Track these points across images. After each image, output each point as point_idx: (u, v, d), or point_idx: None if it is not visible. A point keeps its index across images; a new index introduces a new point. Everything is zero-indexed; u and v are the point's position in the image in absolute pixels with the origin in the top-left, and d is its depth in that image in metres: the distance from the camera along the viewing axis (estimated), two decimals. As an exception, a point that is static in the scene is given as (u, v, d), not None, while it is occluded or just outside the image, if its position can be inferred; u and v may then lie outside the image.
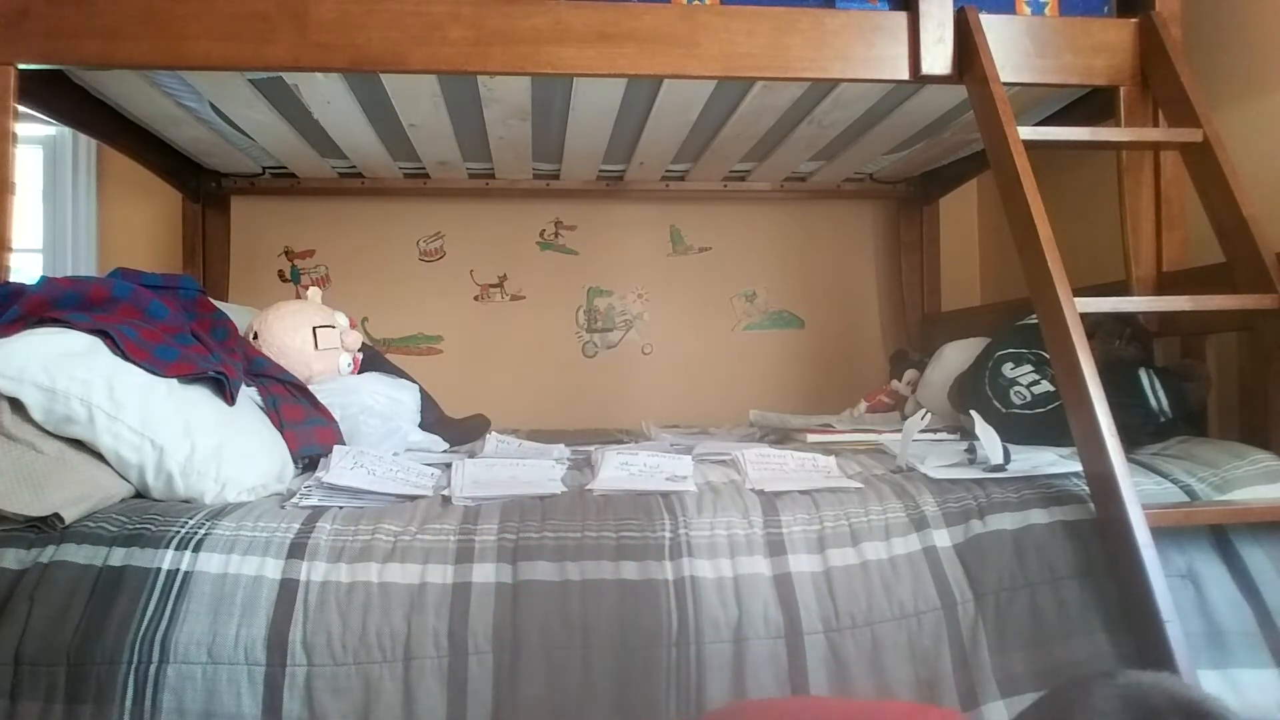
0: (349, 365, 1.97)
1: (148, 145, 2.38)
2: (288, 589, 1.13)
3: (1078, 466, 1.36)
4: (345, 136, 2.34)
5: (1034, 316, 1.54)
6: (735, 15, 1.70)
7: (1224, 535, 1.28)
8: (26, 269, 2.70)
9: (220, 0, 1.63)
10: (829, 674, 1.15)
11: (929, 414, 1.73)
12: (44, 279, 1.46)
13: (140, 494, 1.31)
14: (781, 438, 2.06)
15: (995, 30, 1.72)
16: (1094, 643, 1.19)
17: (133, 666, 1.06)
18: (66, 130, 2.63)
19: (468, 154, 2.56)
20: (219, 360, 1.47)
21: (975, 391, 1.84)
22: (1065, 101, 2.08)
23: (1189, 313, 1.58)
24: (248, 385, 1.54)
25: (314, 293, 2.11)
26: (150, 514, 1.22)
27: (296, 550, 1.17)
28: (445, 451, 1.90)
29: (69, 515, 1.17)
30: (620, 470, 1.45)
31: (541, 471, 1.49)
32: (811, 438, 1.95)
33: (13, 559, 1.13)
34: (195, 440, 1.30)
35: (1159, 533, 1.19)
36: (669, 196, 2.99)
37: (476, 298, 3.00)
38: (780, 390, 3.00)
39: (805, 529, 1.26)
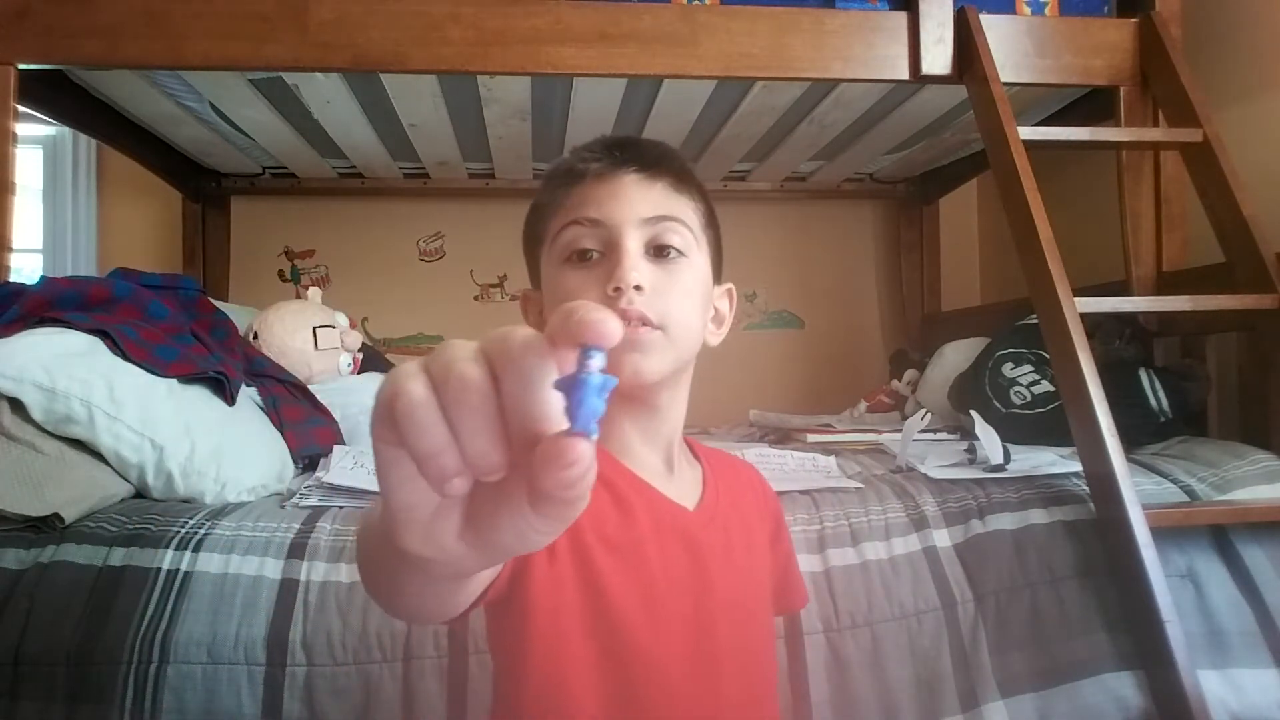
0: (349, 365, 1.97)
1: (148, 145, 2.38)
2: (288, 589, 1.13)
3: (1078, 466, 1.36)
4: (345, 136, 2.34)
5: (1034, 316, 1.54)
6: (735, 15, 1.70)
7: (1224, 535, 1.28)
8: (26, 269, 2.70)
9: (220, 0, 1.63)
10: (829, 674, 1.15)
11: (929, 414, 1.73)
12: (44, 279, 1.46)
13: (140, 494, 1.31)
14: (781, 438, 2.06)
15: (995, 30, 1.72)
16: (1094, 643, 1.19)
17: (133, 666, 1.06)
18: (66, 130, 2.62)
19: (468, 154, 2.56)
20: (219, 360, 1.47)
21: (975, 391, 1.84)
22: (1065, 101, 2.08)
23: (1189, 313, 1.58)
24: (248, 385, 1.54)
25: (314, 293, 2.11)
26: (150, 514, 1.22)
27: (296, 550, 1.17)
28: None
29: (69, 515, 1.17)
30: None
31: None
32: (811, 438, 1.95)
33: (13, 559, 1.13)
34: (195, 440, 1.30)
35: (1159, 533, 1.19)
36: (669, 196, 2.98)
37: (476, 298, 3.00)
38: (780, 390, 3.00)
39: (805, 529, 1.26)
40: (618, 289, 0.70)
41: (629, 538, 0.72)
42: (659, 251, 0.73)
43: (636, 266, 0.71)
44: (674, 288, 0.72)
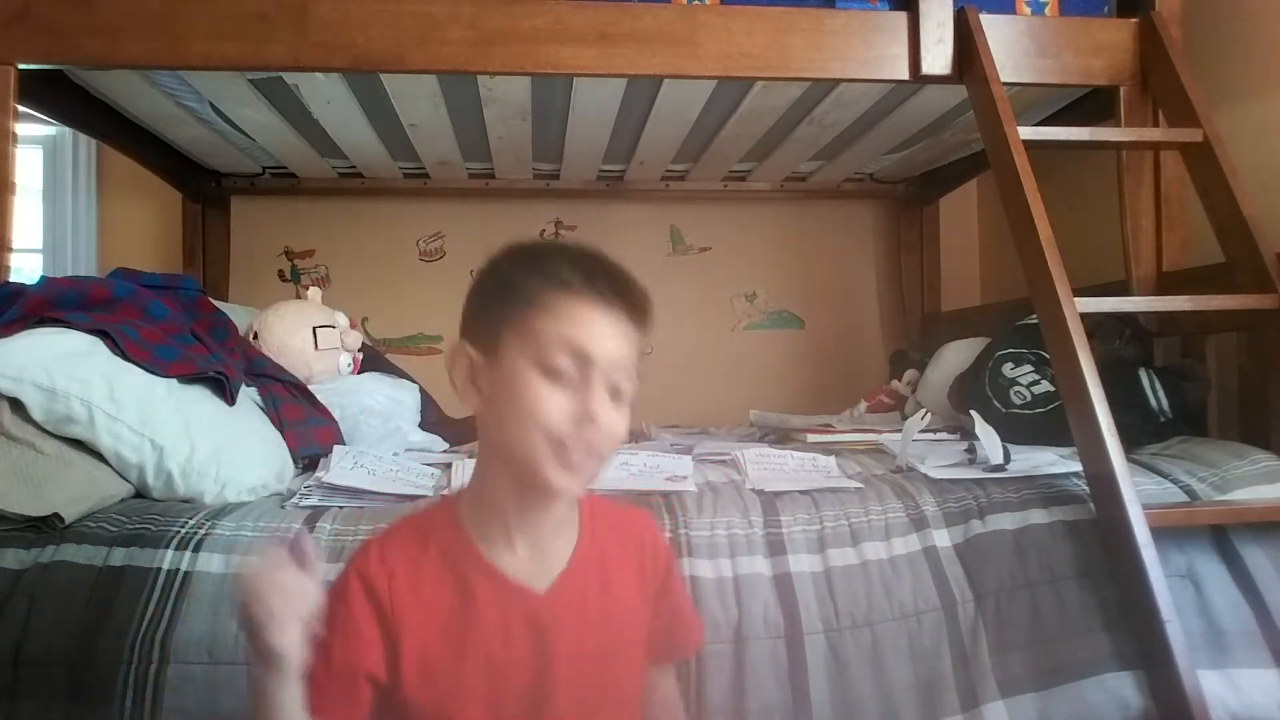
0: (349, 365, 1.97)
1: (148, 145, 2.38)
2: (288, 589, 1.13)
3: (1078, 466, 1.36)
4: (345, 136, 2.34)
5: (1034, 316, 1.54)
6: (735, 15, 1.70)
7: (1224, 535, 1.28)
8: (26, 269, 2.70)
9: (220, 0, 1.63)
10: (829, 674, 1.15)
11: (929, 414, 1.73)
12: (44, 279, 1.46)
13: (140, 494, 1.31)
14: (781, 438, 2.06)
15: (995, 30, 1.72)
16: (1094, 643, 1.19)
17: (133, 666, 1.06)
18: (66, 130, 2.62)
19: (468, 154, 2.56)
20: (219, 360, 1.47)
21: (975, 391, 1.84)
22: (1065, 101, 2.08)
23: (1189, 313, 1.58)
24: (248, 385, 1.54)
25: (314, 293, 2.11)
26: (150, 514, 1.22)
27: (296, 550, 1.17)
28: (445, 451, 1.90)
29: (69, 515, 1.17)
30: (620, 470, 1.45)
31: (541, 471, 1.49)
32: (811, 438, 1.95)
33: (13, 559, 1.13)
34: (195, 440, 1.30)
35: (1159, 533, 1.19)
36: (669, 196, 2.99)
37: (477, 298, 2.99)
38: (780, 390, 2.99)
39: (805, 529, 1.26)
40: (592, 422, 0.78)
41: (466, 622, 0.82)
42: (614, 393, 0.81)
43: (603, 405, 0.79)
44: (617, 423, 0.81)
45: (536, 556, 0.84)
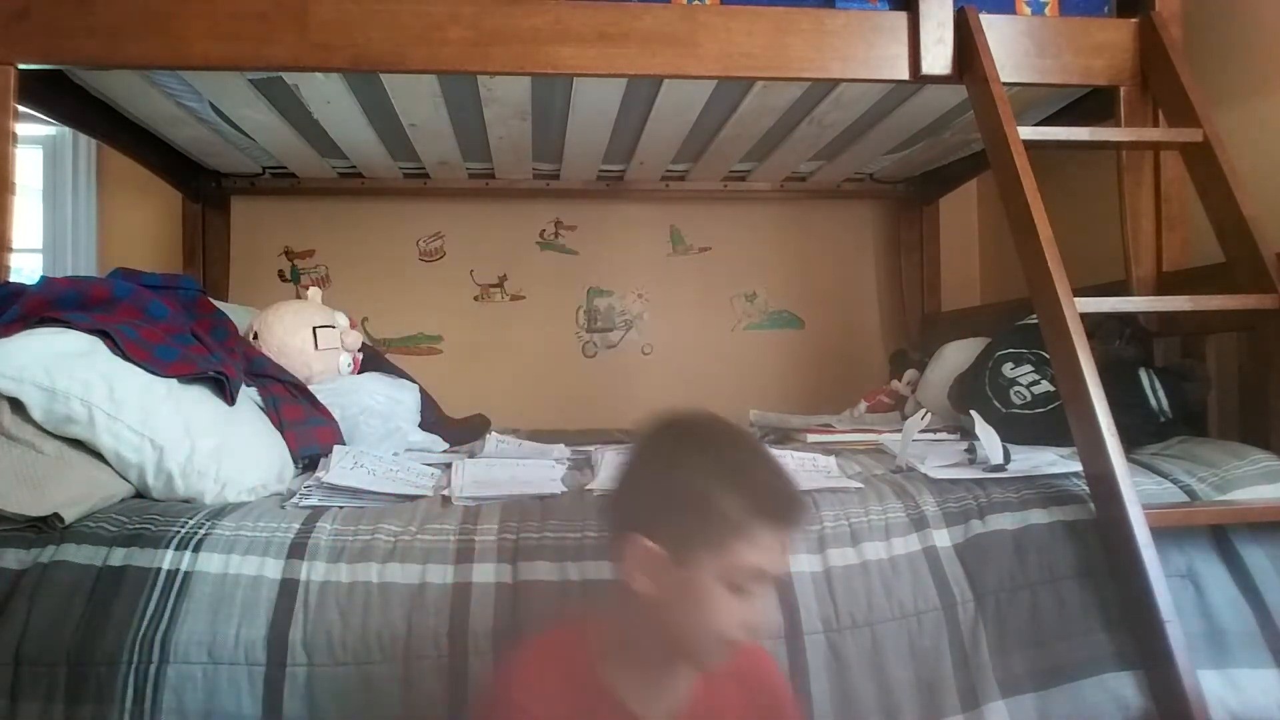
0: (349, 365, 1.97)
1: (148, 145, 2.38)
2: (288, 589, 1.13)
3: (1078, 466, 1.36)
4: (345, 136, 2.34)
5: (1034, 316, 1.54)
6: (735, 15, 1.70)
7: (1224, 535, 1.28)
8: (26, 269, 2.70)
9: (220, 0, 1.63)
10: (829, 674, 1.15)
11: (929, 414, 1.73)
12: (44, 279, 1.46)
13: (140, 494, 1.31)
14: (781, 438, 2.06)
15: (995, 30, 1.72)
16: (1094, 643, 1.19)
17: (133, 666, 1.06)
18: (66, 130, 2.62)
19: (468, 154, 2.56)
20: (219, 360, 1.46)
21: (975, 391, 1.84)
22: (1065, 101, 2.08)
23: (1189, 313, 1.58)
24: (248, 385, 1.54)
25: (314, 293, 2.11)
26: (150, 514, 1.22)
27: (296, 550, 1.17)
28: (445, 451, 1.90)
29: (69, 515, 1.17)
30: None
31: (541, 471, 1.49)
32: (811, 438, 1.95)
33: (13, 559, 1.13)
34: (195, 440, 1.30)
35: (1159, 533, 1.19)
36: (669, 196, 2.99)
37: (476, 298, 3.00)
38: (780, 390, 3.00)
39: (805, 529, 1.26)
40: (759, 624, 0.91)
41: None
42: None
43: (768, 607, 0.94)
44: None
45: (662, 695, 0.92)
